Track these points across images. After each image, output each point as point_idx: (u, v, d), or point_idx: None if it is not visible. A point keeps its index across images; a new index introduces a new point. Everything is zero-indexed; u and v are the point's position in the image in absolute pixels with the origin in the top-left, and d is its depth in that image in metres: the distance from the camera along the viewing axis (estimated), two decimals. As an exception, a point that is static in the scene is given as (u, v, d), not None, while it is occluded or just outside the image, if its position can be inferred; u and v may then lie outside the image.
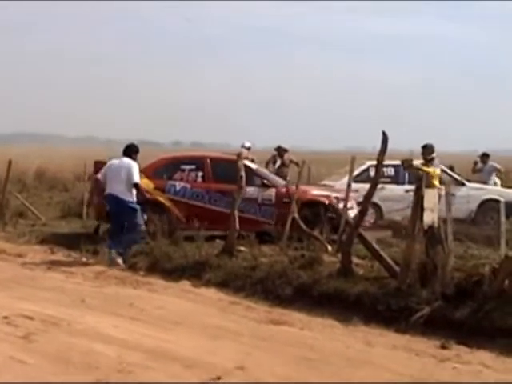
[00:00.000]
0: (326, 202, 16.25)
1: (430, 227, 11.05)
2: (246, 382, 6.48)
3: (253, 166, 17.52)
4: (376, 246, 11.63)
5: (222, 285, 12.27)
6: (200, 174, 17.10)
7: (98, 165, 16.73)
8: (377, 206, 18.81)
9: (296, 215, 15.50)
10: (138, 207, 14.52)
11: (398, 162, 19.41)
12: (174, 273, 13.16)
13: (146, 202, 15.22)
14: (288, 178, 20.48)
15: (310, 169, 23.09)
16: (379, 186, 12.99)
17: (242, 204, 15.56)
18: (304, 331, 9.83)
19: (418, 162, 16.76)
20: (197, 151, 19.01)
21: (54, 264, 14.17)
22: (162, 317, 10.34)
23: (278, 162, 21.28)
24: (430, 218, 11.03)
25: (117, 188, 14.54)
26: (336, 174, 21.61)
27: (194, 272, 12.98)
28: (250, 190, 16.54)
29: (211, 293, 11.99)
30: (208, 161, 17.37)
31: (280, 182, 17.56)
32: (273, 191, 16.84)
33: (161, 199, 16.82)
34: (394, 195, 18.84)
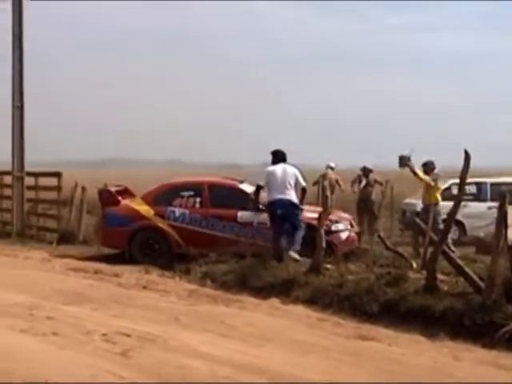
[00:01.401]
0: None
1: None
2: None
3: (249, 190, 17.47)
4: (460, 262, 11.58)
5: (310, 302, 12.28)
6: (198, 199, 17.37)
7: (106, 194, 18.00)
8: (460, 224, 18.66)
9: (381, 233, 15.54)
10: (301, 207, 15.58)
11: (480, 180, 19.32)
12: (263, 291, 13.18)
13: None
14: (373, 197, 20.49)
15: (393, 188, 23.02)
16: (462, 203, 12.91)
17: (239, 228, 16.48)
18: (392, 347, 9.82)
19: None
20: (195, 177, 19.18)
21: (148, 283, 14.31)
22: (252, 333, 10.40)
23: (364, 182, 21.26)
24: (512, 233, 10.99)
25: (288, 193, 15.32)
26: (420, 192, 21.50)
27: (283, 289, 13.01)
28: (246, 214, 16.86)
29: (299, 310, 12.00)
30: (206, 187, 17.62)
31: None
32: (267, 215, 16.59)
33: (161, 225, 17.24)
34: (477, 212, 18.70)
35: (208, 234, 16.96)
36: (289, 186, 15.41)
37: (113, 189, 18.24)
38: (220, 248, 16.22)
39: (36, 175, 23.55)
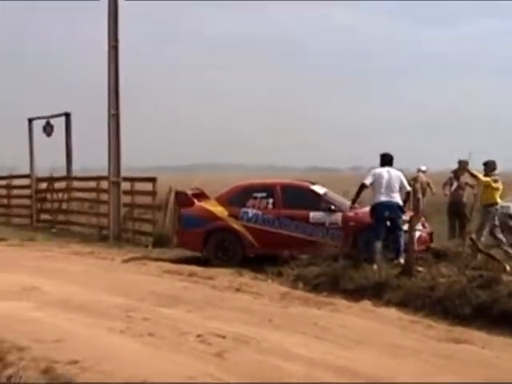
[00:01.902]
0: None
1: None
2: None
3: (321, 191, 17.64)
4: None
5: (402, 304, 12.24)
6: (271, 200, 17.40)
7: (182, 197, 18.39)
8: None
9: (473, 236, 15.45)
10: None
11: None
12: (355, 293, 13.15)
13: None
14: (464, 200, 20.26)
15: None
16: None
17: (311, 228, 16.54)
18: (485, 350, 9.72)
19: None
20: (268, 179, 19.26)
21: (241, 286, 14.40)
22: (345, 335, 10.41)
23: (455, 185, 20.98)
24: None
25: (394, 196, 15.42)
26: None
27: (375, 292, 12.98)
28: (318, 215, 16.86)
29: (391, 312, 11.97)
30: (278, 188, 17.63)
31: (346, 206, 17.19)
32: (339, 215, 16.80)
33: (234, 226, 17.34)
34: None
35: (280, 235, 17.04)
36: (394, 189, 15.44)
37: (189, 191, 18.44)
38: (292, 249, 16.46)
39: (132, 180, 23.90)
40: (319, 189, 17.80)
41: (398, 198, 15.43)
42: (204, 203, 18.07)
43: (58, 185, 28.11)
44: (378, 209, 15.44)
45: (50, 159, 28.86)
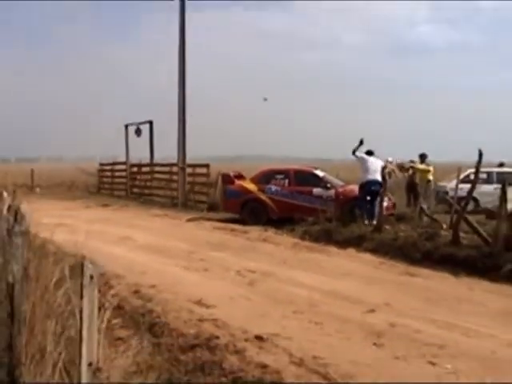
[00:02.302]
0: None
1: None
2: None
3: (321, 174, 17.82)
4: (475, 224, 11.51)
5: (375, 251, 12.21)
6: (287, 180, 17.63)
7: (227, 177, 18.71)
8: (475, 199, 18.33)
9: (424, 206, 15.52)
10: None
11: (489, 170, 19.34)
12: (343, 243, 13.13)
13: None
14: (417, 181, 20.04)
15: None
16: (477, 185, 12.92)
17: (313, 199, 16.85)
18: (428, 280, 9.85)
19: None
20: (284, 165, 19.97)
21: (266, 238, 14.49)
22: (336, 271, 10.53)
23: (411, 171, 20.57)
24: (510, 205, 10.93)
25: (377, 176, 15.31)
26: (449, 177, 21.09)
27: (357, 242, 12.97)
28: (318, 190, 17.04)
29: (367, 256, 11.99)
30: (291, 172, 17.90)
31: (339, 184, 17.83)
32: (333, 191, 16.99)
33: (262, 197, 17.57)
34: (487, 191, 18.35)
35: (293, 204, 17.22)
36: (378, 171, 15.44)
37: (231, 173, 18.74)
38: (300, 213, 16.57)
39: (193, 166, 24.11)
40: (320, 172, 17.92)
41: (379, 177, 15.37)
42: (241, 182, 18.26)
43: (144, 169, 28.39)
44: (367, 185, 15.46)
45: (139, 152, 29.06)
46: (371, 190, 15.34)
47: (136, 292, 8.51)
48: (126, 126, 28.13)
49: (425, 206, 15.61)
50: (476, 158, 11.86)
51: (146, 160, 28.14)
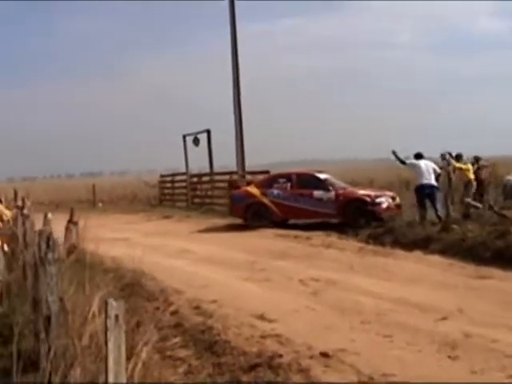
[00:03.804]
0: (367, 199, 16.42)
1: None
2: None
3: (322, 176, 17.85)
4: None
5: (443, 252, 11.78)
6: (289, 184, 17.80)
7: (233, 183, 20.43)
8: None
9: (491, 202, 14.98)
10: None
11: None
12: (409, 245, 12.71)
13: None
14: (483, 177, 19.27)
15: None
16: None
17: (314, 202, 17.04)
18: (501, 282, 9.36)
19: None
20: (289, 170, 20.70)
21: (330, 243, 14.11)
22: (404, 276, 10.17)
23: (475, 166, 19.80)
24: None
25: (431, 178, 14.93)
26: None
27: (423, 244, 12.54)
28: (319, 193, 17.07)
29: (435, 258, 11.57)
30: (294, 176, 18.10)
31: (340, 186, 17.67)
32: (333, 193, 16.97)
33: (264, 201, 17.83)
34: None
35: (294, 207, 17.46)
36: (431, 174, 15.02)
37: (237, 180, 19.94)
38: (302, 217, 17.26)
39: (253, 173, 23.90)
40: (322, 175, 18.02)
41: (433, 180, 14.97)
42: (247, 187, 18.89)
43: (204, 178, 28.37)
44: (421, 189, 14.97)
45: (198, 162, 29.06)
46: (425, 193, 14.91)
47: (196, 308, 8.30)
48: (184, 137, 28.12)
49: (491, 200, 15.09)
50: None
51: (206, 170, 28.07)
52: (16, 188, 21.83)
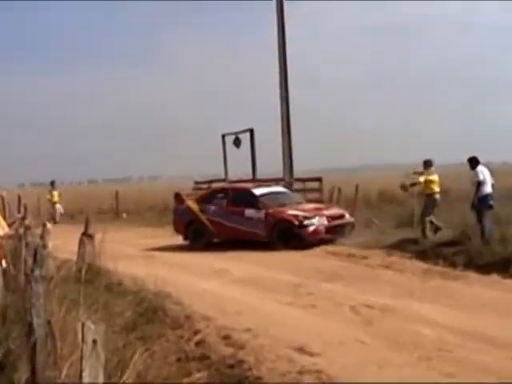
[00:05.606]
0: (294, 220, 17.05)
1: None
2: None
3: (257, 192, 18.28)
4: None
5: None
6: (225, 200, 18.48)
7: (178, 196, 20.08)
8: None
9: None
10: None
11: None
12: (485, 267, 12.48)
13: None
14: None
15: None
16: None
17: (244, 221, 17.77)
18: None
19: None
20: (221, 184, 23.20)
21: (390, 263, 13.99)
22: (474, 304, 9.99)
23: None
24: None
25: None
26: None
27: (502, 266, 12.31)
28: (250, 212, 17.76)
29: (515, 283, 11.36)
30: (229, 190, 18.99)
31: (271, 205, 17.94)
32: (263, 212, 17.56)
33: (201, 218, 18.51)
34: None
35: (227, 226, 18.08)
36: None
37: (183, 193, 20.31)
38: (234, 236, 17.81)
39: (303, 180, 23.87)
40: (257, 191, 18.46)
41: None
42: (190, 202, 19.32)
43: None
44: (485, 199, 14.68)
45: (239, 167, 29.08)
46: (489, 204, 14.69)
47: (226, 337, 8.33)
48: (223, 136, 28.14)
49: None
50: None
51: (249, 175, 28.07)
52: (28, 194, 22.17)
